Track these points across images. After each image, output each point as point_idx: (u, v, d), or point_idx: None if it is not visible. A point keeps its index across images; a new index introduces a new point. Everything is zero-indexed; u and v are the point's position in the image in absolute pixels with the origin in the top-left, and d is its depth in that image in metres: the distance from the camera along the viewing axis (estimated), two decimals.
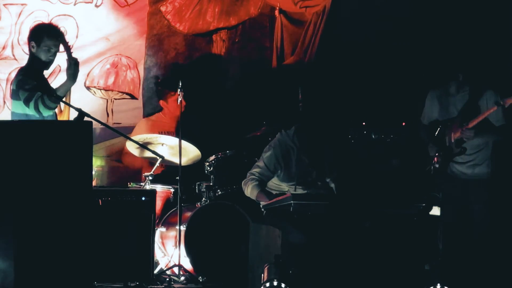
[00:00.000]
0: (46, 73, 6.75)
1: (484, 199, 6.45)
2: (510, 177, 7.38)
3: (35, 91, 6.39)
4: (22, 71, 6.59)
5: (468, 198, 6.43)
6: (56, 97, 6.43)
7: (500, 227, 6.89)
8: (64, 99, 6.62)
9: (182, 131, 7.50)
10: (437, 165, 6.38)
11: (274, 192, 6.67)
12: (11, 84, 6.66)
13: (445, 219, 6.44)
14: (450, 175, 6.48)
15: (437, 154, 6.39)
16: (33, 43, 6.53)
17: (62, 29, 6.77)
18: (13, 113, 6.58)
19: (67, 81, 6.53)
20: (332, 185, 6.86)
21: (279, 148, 6.74)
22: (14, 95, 6.52)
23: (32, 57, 6.58)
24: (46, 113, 6.45)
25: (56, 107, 6.53)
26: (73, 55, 6.59)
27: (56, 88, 6.59)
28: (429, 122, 6.67)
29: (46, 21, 8.36)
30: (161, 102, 8.41)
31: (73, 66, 6.51)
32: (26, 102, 6.40)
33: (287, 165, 6.70)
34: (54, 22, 8.35)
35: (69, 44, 6.63)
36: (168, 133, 8.32)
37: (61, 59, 6.87)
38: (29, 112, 6.42)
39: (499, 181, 6.72)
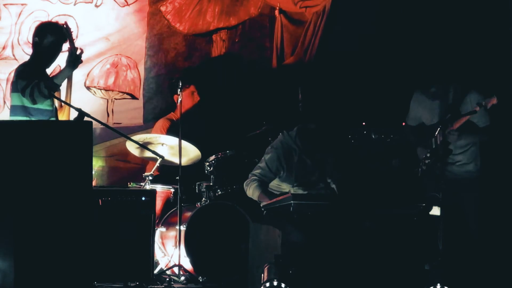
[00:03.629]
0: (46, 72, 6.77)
1: (474, 197, 6.47)
2: (498, 175, 7.40)
3: (33, 79, 6.41)
4: (23, 64, 6.66)
5: (457, 197, 6.44)
6: (53, 83, 6.44)
7: (491, 224, 6.91)
8: (64, 99, 6.63)
9: (186, 130, 7.52)
10: (424, 167, 6.38)
11: (276, 194, 6.66)
12: (11, 81, 6.69)
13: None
14: (438, 175, 6.48)
15: (424, 156, 6.40)
16: (36, 39, 6.59)
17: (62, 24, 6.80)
18: (12, 107, 6.60)
19: (66, 68, 6.56)
20: (333, 185, 6.86)
21: (281, 149, 6.74)
22: (14, 86, 6.56)
23: (35, 52, 6.62)
24: (41, 102, 6.44)
25: (51, 96, 6.51)
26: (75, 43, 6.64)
27: (54, 76, 6.61)
28: (417, 124, 6.71)
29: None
30: (175, 97, 8.35)
31: (74, 54, 6.54)
32: (23, 91, 6.43)
33: (289, 167, 6.69)
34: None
35: (71, 31, 6.68)
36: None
37: (61, 59, 6.88)
38: (26, 103, 6.44)
39: (488, 179, 6.74)
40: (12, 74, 6.68)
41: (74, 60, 6.57)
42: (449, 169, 6.47)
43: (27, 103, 6.47)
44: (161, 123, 8.32)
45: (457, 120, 6.34)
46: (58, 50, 6.68)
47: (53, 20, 8.15)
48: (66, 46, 6.73)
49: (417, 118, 6.70)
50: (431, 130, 6.39)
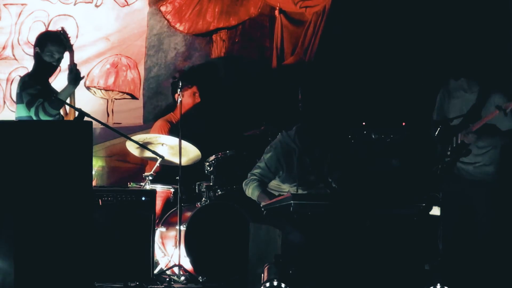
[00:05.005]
0: None
1: (489, 200, 6.43)
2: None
3: (38, 97, 6.42)
4: (27, 75, 6.64)
5: (472, 198, 6.42)
6: (57, 101, 6.45)
7: (504, 228, 6.89)
8: (68, 101, 6.63)
9: (185, 130, 7.52)
10: (444, 165, 6.37)
11: (276, 194, 6.67)
12: (14, 87, 6.66)
13: (449, 219, 6.43)
14: (456, 174, 6.46)
15: (444, 154, 6.39)
16: (37, 49, 6.59)
17: (61, 29, 6.78)
18: (18, 118, 6.56)
19: (68, 85, 6.57)
20: (335, 185, 6.86)
21: (280, 149, 6.74)
22: (18, 98, 6.54)
23: (38, 62, 6.62)
24: (45, 119, 6.45)
25: (56, 113, 6.53)
26: (74, 55, 6.62)
27: (59, 93, 6.59)
28: (442, 118, 6.67)
29: (46, 21, 8.36)
30: (176, 96, 8.37)
31: (74, 70, 6.55)
32: (28, 106, 6.43)
33: (289, 166, 6.69)
34: (54, 22, 8.36)
35: (69, 37, 6.67)
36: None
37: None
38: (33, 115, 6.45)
39: (505, 183, 6.71)
40: (13, 75, 6.65)
41: (75, 76, 6.58)
42: (467, 170, 6.45)
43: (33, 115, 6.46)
44: (160, 124, 8.31)
45: (477, 121, 6.32)
46: (60, 58, 6.68)
47: (53, 28, 8.14)
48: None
49: (442, 113, 6.67)
50: (452, 128, 6.38)
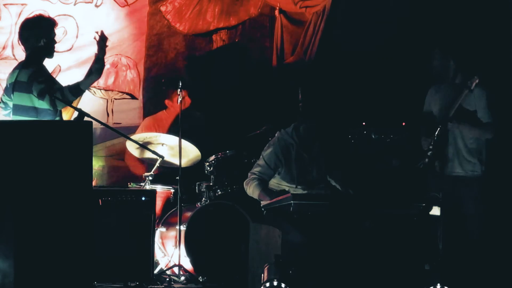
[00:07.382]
0: None
1: (476, 196, 6.47)
2: (499, 174, 7.40)
3: (50, 85, 6.35)
4: (32, 64, 6.49)
5: (459, 196, 6.45)
6: (78, 89, 6.40)
7: (493, 224, 6.91)
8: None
9: (185, 129, 7.52)
10: (427, 160, 6.39)
11: (276, 191, 6.67)
12: (8, 79, 6.56)
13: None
14: (440, 173, 6.49)
15: (427, 149, 6.41)
16: (44, 40, 6.50)
17: (62, 29, 6.76)
18: (16, 106, 6.44)
19: (93, 74, 6.48)
20: (335, 184, 6.86)
21: (278, 145, 6.76)
22: (24, 87, 6.39)
23: (36, 52, 6.53)
24: (61, 107, 6.41)
25: (74, 100, 6.48)
26: (73, 55, 6.60)
27: (80, 82, 6.50)
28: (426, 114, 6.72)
29: None
30: (167, 101, 8.39)
31: (102, 61, 6.50)
32: (41, 96, 6.34)
33: (288, 162, 6.71)
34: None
35: (107, 38, 6.62)
36: (173, 130, 8.31)
37: (61, 59, 6.89)
38: (40, 105, 6.36)
39: (491, 179, 6.73)
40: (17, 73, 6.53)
41: (101, 67, 6.53)
42: (452, 167, 6.47)
43: (39, 104, 6.38)
44: (148, 123, 8.31)
45: (451, 107, 6.38)
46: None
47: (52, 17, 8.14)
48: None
49: (429, 112, 6.71)
50: (434, 124, 6.42)
